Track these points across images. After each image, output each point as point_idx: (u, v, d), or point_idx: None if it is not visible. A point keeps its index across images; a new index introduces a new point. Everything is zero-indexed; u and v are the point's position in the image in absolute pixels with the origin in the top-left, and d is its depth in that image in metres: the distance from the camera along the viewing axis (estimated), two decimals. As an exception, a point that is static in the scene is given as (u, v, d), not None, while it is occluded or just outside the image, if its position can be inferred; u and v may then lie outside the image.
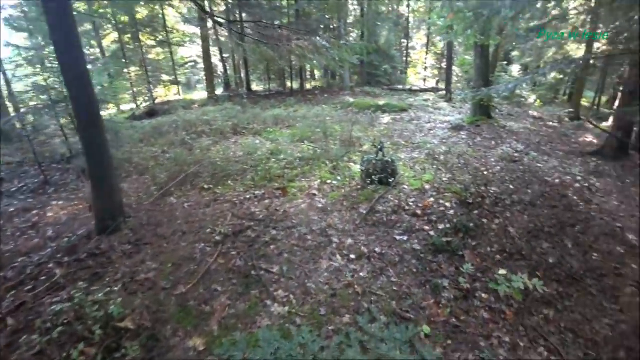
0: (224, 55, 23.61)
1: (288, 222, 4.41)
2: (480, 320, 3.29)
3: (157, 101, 19.79)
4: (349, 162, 6.78)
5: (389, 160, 5.16)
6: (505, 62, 18.47)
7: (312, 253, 3.87)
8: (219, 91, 21.83)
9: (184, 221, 4.68)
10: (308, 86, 23.13)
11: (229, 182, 6.14)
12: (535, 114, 15.07)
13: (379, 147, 5.25)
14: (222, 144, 8.80)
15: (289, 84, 22.29)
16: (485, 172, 6.38)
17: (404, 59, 25.69)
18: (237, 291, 3.40)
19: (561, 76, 18.28)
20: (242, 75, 22.85)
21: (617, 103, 15.83)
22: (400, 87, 19.89)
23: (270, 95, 18.24)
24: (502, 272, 3.31)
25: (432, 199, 4.77)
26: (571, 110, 14.36)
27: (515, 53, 18.48)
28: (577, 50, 17.45)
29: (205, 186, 6.05)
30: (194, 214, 4.88)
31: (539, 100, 18.44)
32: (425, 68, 26.63)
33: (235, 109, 11.56)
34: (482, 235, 4.21)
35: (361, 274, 3.61)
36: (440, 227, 4.22)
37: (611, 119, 14.52)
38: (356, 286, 3.45)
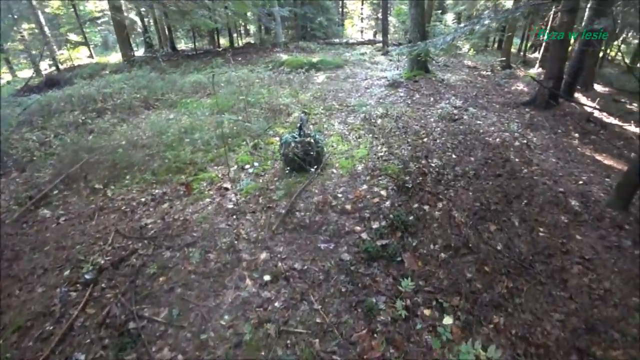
0: (142, 10, 20.38)
1: (187, 236, 3.38)
2: (422, 347, 2.61)
3: (63, 67, 16.76)
4: (274, 137, 5.73)
5: (312, 140, 4.18)
6: (440, 11, 17.62)
7: (214, 281, 2.91)
8: (140, 52, 19.03)
9: (54, 247, 3.47)
10: (241, 43, 20.89)
11: (127, 177, 4.87)
12: (470, 63, 14.65)
13: (299, 124, 4.24)
14: (129, 123, 7.27)
15: (221, 40, 19.99)
16: (426, 139, 5.63)
17: (340, 9, 23.92)
18: (107, 359, 2.40)
19: (493, 24, 17.89)
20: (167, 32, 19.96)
21: (541, 50, 15.89)
22: (337, 40, 18.47)
23: (196, 55, 16.06)
24: (447, 321, 2.63)
25: (365, 187, 3.92)
26: (503, 58, 14.03)
27: (449, 1, 17.59)
28: (506, -3, 17.11)
29: (97, 185, 4.74)
30: (68, 234, 3.66)
31: (472, 49, 18.03)
32: (362, 19, 25.13)
33: (148, 75, 9.74)
34: (424, 229, 3.47)
35: (276, 304, 2.74)
36: (375, 225, 3.41)
37: (537, 65, 14.58)
38: (268, 325, 2.58)
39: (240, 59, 14.20)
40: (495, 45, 20.62)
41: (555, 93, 8.23)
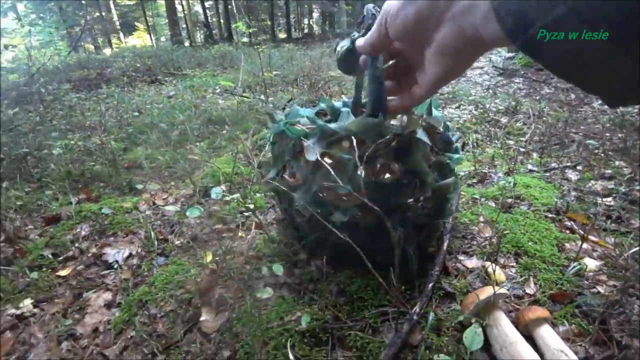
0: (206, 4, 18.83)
1: None
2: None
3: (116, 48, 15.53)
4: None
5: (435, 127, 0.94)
6: None
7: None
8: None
9: None
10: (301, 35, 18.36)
11: None
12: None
13: (362, 23, 0.69)
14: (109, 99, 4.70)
15: (282, 34, 17.84)
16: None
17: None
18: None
19: None
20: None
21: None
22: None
23: (249, 43, 13.70)
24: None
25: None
26: None
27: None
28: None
29: None
30: None
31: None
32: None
33: (171, 48, 7.26)
34: None
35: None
36: None
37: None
38: None
39: (293, 45, 11.52)
40: None
41: None
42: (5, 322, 1.13)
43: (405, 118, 0.88)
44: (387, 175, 0.94)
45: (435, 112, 0.93)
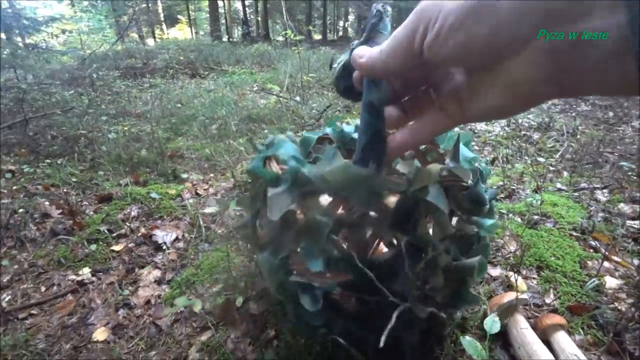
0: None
1: None
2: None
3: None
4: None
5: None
6: None
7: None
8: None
9: None
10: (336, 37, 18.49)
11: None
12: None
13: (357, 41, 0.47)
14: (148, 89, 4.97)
15: (317, 36, 18.09)
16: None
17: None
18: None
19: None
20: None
21: None
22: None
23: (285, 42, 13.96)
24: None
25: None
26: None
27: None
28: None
29: None
30: None
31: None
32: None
33: (211, 44, 7.55)
34: None
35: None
36: None
37: None
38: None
39: (329, 47, 11.65)
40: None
41: None
42: (66, 286, 1.28)
43: (416, 164, 0.60)
44: (385, 250, 0.65)
45: (466, 151, 0.67)
